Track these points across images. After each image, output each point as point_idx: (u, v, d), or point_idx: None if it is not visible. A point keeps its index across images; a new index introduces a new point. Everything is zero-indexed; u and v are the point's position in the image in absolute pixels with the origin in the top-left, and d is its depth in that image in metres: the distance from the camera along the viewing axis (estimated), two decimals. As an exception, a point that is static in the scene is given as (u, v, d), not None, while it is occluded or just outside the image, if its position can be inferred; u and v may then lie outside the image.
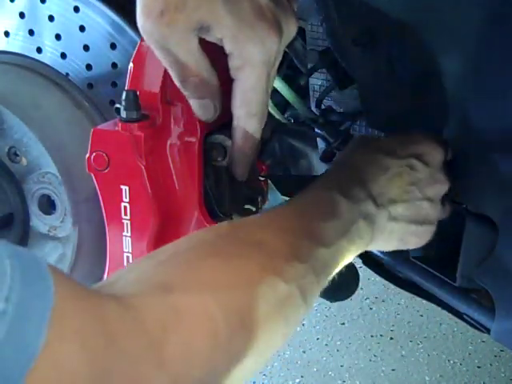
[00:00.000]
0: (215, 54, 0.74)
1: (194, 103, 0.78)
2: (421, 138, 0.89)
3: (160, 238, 0.83)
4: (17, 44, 0.97)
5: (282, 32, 0.76)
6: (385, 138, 0.94)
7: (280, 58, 0.79)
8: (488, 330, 1.08)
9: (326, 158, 1.14)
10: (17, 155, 0.90)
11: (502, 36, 0.87)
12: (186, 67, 0.74)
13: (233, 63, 0.75)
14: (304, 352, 2.33)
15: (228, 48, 0.73)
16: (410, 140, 0.88)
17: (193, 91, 0.76)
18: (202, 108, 0.78)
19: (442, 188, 0.89)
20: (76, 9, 0.91)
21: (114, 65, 0.90)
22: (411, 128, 0.99)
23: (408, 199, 0.85)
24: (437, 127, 0.96)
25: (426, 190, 0.86)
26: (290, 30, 0.77)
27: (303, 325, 2.46)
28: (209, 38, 0.74)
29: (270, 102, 0.95)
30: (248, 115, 0.79)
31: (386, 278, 1.42)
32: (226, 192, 0.88)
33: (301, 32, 1.13)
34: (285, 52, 1.16)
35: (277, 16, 0.75)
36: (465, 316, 1.16)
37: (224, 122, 0.85)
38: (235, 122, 0.80)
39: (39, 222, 0.92)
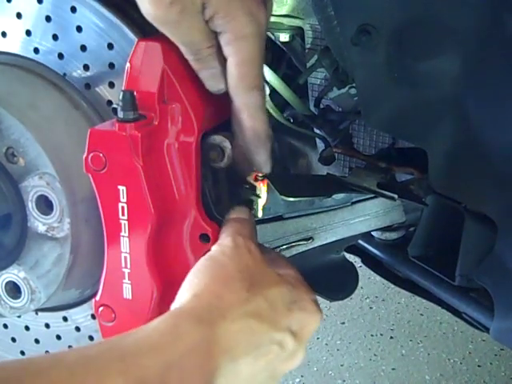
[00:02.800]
0: None
1: (205, 74, 0.82)
2: (308, 301, 0.80)
3: (157, 238, 0.83)
4: (14, 44, 0.97)
5: (266, 5, 0.81)
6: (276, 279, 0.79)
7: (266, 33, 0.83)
8: (487, 329, 1.08)
9: (324, 159, 1.14)
10: (14, 156, 0.90)
11: (500, 36, 0.87)
12: (198, 43, 0.79)
13: (225, 39, 0.80)
14: (304, 351, 2.33)
15: (220, 23, 0.78)
16: (295, 298, 0.78)
17: (205, 62, 0.80)
18: (213, 77, 0.82)
19: (294, 364, 0.79)
20: (73, 9, 0.91)
21: (112, 65, 0.90)
22: (409, 129, 0.99)
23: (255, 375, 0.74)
24: (436, 127, 0.96)
25: (277, 369, 0.77)
26: (271, 5, 0.84)
27: (303, 324, 2.46)
28: (209, 23, 0.78)
29: (269, 101, 0.95)
30: (247, 89, 0.82)
31: (386, 278, 1.42)
32: (224, 194, 0.87)
33: (300, 31, 1.12)
34: (284, 51, 1.16)
35: None
36: (464, 315, 1.16)
37: (219, 122, 0.85)
38: (236, 104, 0.82)
39: (37, 222, 0.91)
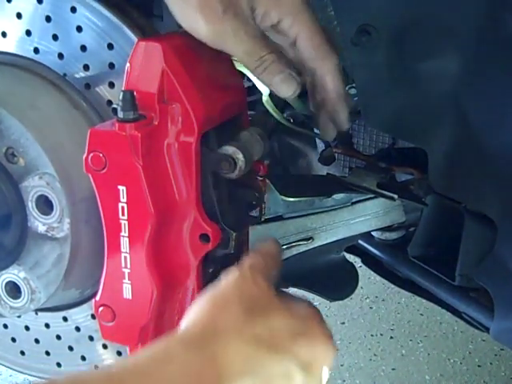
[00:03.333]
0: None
1: (276, 81, 0.83)
2: (319, 334, 0.74)
3: (157, 238, 0.83)
4: (14, 44, 0.97)
5: None
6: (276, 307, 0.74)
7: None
8: (487, 329, 1.08)
9: (324, 160, 1.14)
10: (14, 156, 0.90)
11: (500, 36, 0.87)
12: (260, 49, 0.81)
13: (285, 25, 0.83)
14: (304, 351, 2.33)
15: (275, 15, 0.82)
16: (304, 330, 0.73)
17: (273, 69, 0.82)
18: (285, 81, 0.83)
19: None
20: (73, 9, 0.91)
21: (112, 65, 0.90)
22: (409, 131, 0.99)
23: None
24: (436, 127, 0.96)
25: None
26: None
27: (303, 324, 2.45)
28: (264, 24, 0.83)
29: (269, 101, 0.95)
30: (325, 56, 0.86)
31: (386, 278, 1.42)
32: (225, 197, 0.87)
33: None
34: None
35: None
36: (464, 315, 1.16)
37: (220, 122, 0.85)
38: (318, 73, 0.87)
39: (37, 222, 0.91)
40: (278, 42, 0.87)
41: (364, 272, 1.49)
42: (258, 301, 0.72)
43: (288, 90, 0.84)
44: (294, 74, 0.84)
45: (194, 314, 0.72)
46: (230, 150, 0.83)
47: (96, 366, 1.03)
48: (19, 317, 1.04)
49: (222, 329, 0.68)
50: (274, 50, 0.83)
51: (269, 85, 0.84)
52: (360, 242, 1.35)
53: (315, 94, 0.91)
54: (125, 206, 0.80)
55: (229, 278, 0.75)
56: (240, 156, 0.82)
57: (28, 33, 0.95)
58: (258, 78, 0.84)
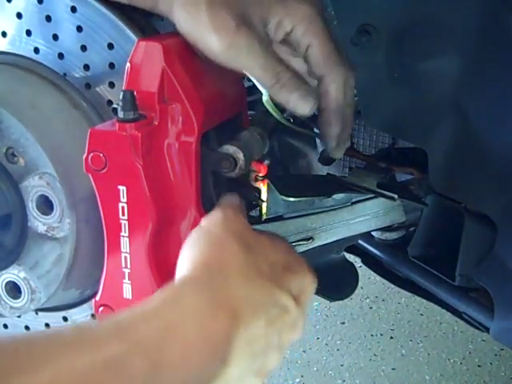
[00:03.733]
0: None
1: (295, 98, 0.82)
2: (301, 265, 0.78)
3: (158, 238, 0.83)
4: (14, 44, 0.97)
5: None
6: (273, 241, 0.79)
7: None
8: (487, 329, 1.08)
9: (324, 160, 1.14)
10: (14, 156, 0.90)
11: (500, 37, 0.87)
12: (276, 65, 0.80)
13: (298, 33, 0.82)
14: (304, 351, 2.33)
15: (288, 24, 0.81)
16: (291, 263, 0.77)
17: (290, 85, 0.81)
18: (303, 98, 0.82)
19: (296, 335, 0.76)
20: (73, 9, 0.91)
21: (112, 65, 0.90)
22: (408, 129, 0.99)
23: (259, 352, 0.70)
24: (436, 127, 0.96)
25: (283, 337, 0.74)
26: None
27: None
28: (270, 34, 0.81)
29: (269, 101, 0.95)
30: (335, 65, 0.84)
31: (386, 278, 1.42)
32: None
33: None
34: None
35: None
36: (464, 315, 1.16)
37: (220, 122, 0.85)
38: (326, 80, 0.84)
39: (37, 222, 0.91)
40: (287, 54, 0.86)
41: (364, 272, 1.49)
42: (248, 237, 0.74)
43: (306, 107, 0.82)
44: (310, 91, 0.83)
45: (192, 254, 0.72)
46: (230, 149, 0.83)
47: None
48: (19, 317, 1.04)
49: (228, 268, 0.69)
50: (288, 65, 0.82)
51: (286, 102, 0.82)
52: (360, 241, 1.36)
53: (319, 102, 0.89)
54: (125, 206, 0.80)
55: (213, 220, 0.76)
56: (240, 155, 0.82)
57: (28, 33, 0.95)
58: (275, 96, 0.82)
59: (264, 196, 0.90)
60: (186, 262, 0.72)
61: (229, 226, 0.75)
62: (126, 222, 0.81)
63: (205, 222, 0.77)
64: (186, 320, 0.63)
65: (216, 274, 0.68)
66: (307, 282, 0.78)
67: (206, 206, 0.84)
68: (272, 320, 0.70)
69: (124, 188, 0.80)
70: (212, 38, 0.77)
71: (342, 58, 0.85)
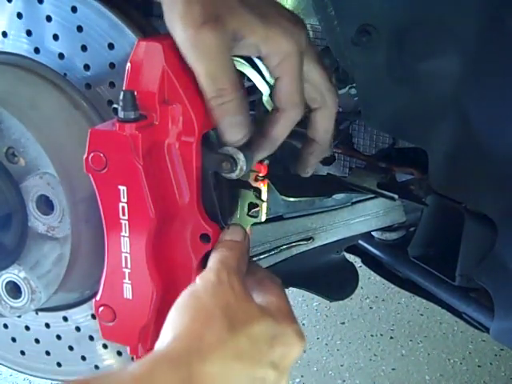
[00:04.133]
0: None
1: (225, 123, 0.80)
2: (290, 335, 0.77)
3: (158, 238, 0.83)
4: (14, 44, 0.97)
5: (303, 25, 0.84)
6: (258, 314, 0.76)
7: (310, 51, 0.85)
8: (487, 329, 1.08)
9: (324, 160, 1.14)
10: (15, 156, 0.90)
11: (500, 36, 0.87)
12: (224, 80, 0.78)
13: (271, 63, 0.81)
14: (304, 351, 2.33)
15: (264, 50, 0.80)
16: (278, 331, 0.76)
17: (228, 110, 0.79)
18: (235, 127, 0.81)
19: None
20: (74, 9, 0.91)
21: (112, 65, 0.90)
22: (408, 126, 0.99)
23: None
24: (436, 127, 0.96)
25: None
26: (305, 25, 0.85)
27: (303, 324, 2.46)
28: (240, 49, 0.80)
29: (269, 101, 0.95)
30: (293, 105, 0.84)
31: (386, 278, 1.42)
32: (226, 198, 0.87)
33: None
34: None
35: (294, 15, 0.84)
36: (464, 315, 1.16)
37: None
38: (278, 115, 0.84)
39: (37, 222, 0.91)
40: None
41: (364, 272, 1.49)
42: (237, 311, 0.74)
43: (232, 137, 0.81)
44: (246, 123, 0.81)
45: (175, 328, 0.72)
46: (231, 150, 0.83)
47: (96, 366, 1.03)
48: (19, 317, 1.04)
49: (207, 348, 0.70)
50: (240, 89, 0.80)
51: (216, 121, 0.80)
52: (360, 242, 1.36)
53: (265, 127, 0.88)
54: (125, 206, 0.80)
55: (207, 285, 0.76)
56: (240, 156, 0.82)
57: (28, 33, 0.95)
58: (210, 109, 0.80)
59: (264, 196, 0.90)
60: (170, 329, 0.73)
61: (219, 295, 0.75)
62: (126, 222, 0.81)
63: (198, 283, 0.77)
64: None
65: (194, 354, 0.69)
66: (293, 351, 0.77)
67: (206, 207, 0.84)
68: None
69: (124, 188, 0.80)
70: (178, 26, 0.76)
71: (302, 99, 0.85)
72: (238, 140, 0.81)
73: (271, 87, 0.92)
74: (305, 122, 1.07)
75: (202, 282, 0.77)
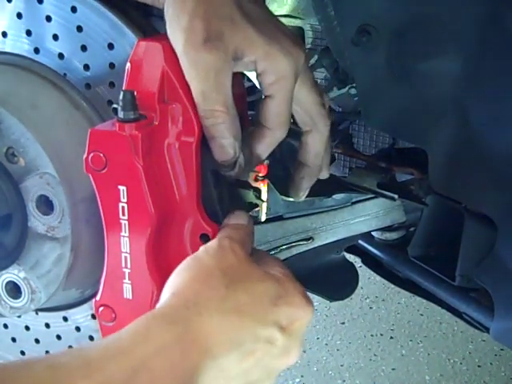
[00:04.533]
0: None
1: (215, 142, 0.81)
2: (297, 295, 0.76)
3: (158, 238, 0.83)
4: (14, 44, 0.97)
5: (303, 46, 0.85)
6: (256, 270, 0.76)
7: (306, 73, 0.85)
8: (487, 329, 1.08)
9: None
10: (14, 156, 0.90)
11: (500, 36, 0.87)
12: (218, 102, 0.78)
13: (266, 80, 0.81)
14: (304, 351, 2.33)
15: (261, 66, 0.80)
16: (282, 292, 0.75)
17: (218, 128, 0.80)
18: (223, 148, 0.81)
19: (290, 361, 0.76)
20: (73, 9, 0.91)
21: (112, 65, 0.90)
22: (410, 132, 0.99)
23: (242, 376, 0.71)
24: (436, 127, 0.96)
25: (271, 366, 0.74)
26: (304, 48, 0.87)
27: (303, 324, 2.46)
28: (239, 67, 0.80)
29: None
30: (280, 125, 0.84)
31: (386, 278, 1.42)
32: (226, 197, 0.87)
33: (300, 32, 1.12)
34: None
35: (294, 34, 0.84)
36: (464, 315, 1.16)
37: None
38: (264, 134, 0.84)
39: (37, 222, 0.91)
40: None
41: (364, 272, 1.49)
42: (237, 270, 0.74)
43: (221, 157, 0.81)
44: (235, 146, 0.81)
45: (174, 286, 0.72)
46: None
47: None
48: (19, 317, 1.04)
49: (205, 303, 0.69)
50: (233, 111, 0.80)
51: (207, 137, 0.81)
52: (360, 242, 1.36)
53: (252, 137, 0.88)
54: (125, 206, 0.80)
55: (208, 250, 0.76)
56: (240, 154, 0.82)
57: (28, 33, 0.95)
58: (203, 125, 0.80)
59: (264, 196, 0.90)
60: (169, 288, 0.73)
61: (220, 257, 0.75)
62: (126, 222, 0.81)
63: (200, 250, 0.77)
64: (154, 358, 0.64)
65: (191, 309, 0.69)
66: (300, 313, 0.76)
67: (206, 206, 0.84)
68: (250, 354, 0.70)
69: (124, 188, 0.80)
70: (180, 41, 0.77)
71: (289, 117, 0.85)
72: (226, 160, 0.82)
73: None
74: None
75: (204, 248, 0.77)
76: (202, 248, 0.77)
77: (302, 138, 0.90)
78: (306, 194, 0.96)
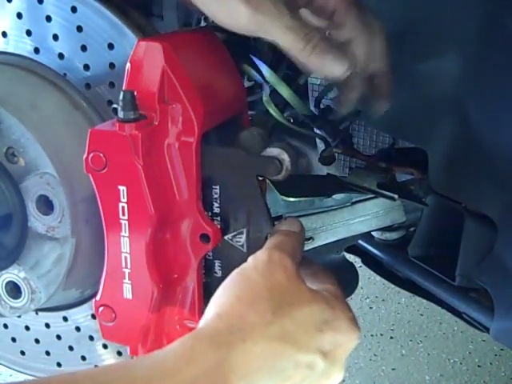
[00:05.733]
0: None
1: (328, 60, 0.78)
2: (344, 320, 0.75)
3: (158, 238, 0.83)
4: (14, 44, 0.97)
5: None
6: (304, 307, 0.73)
7: None
8: (487, 329, 1.08)
9: (324, 160, 1.14)
10: (14, 156, 0.90)
11: (500, 36, 0.87)
12: (304, 26, 0.76)
13: (354, 19, 0.80)
14: (304, 351, 2.33)
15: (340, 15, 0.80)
16: (329, 317, 0.74)
17: (321, 46, 0.76)
18: (338, 59, 0.78)
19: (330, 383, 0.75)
20: (73, 9, 0.91)
21: (112, 65, 0.90)
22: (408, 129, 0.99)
23: None
24: (436, 127, 0.96)
25: None
26: None
27: (303, 324, 2.46)
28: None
29: (269, 101, 0.95)
30: (365, 28, 0.82)
31: (386, 278, 1.42)
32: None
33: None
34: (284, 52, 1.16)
35: None
36: (464, 315, 1.16)
37: (220, 122, 0.85)
38: (355, 40, 0.82)
39: (37, 222, 0.91)
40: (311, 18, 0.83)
41: (364, 272, 1.49)
42: (286, 291, 0.72)
43: (341, 69, 0.78)
44: (343, 52, 0.79)
45: (219, 306, 0.71)
46: (275, 151, 0.81)
47: (96, 367, 1.03)
48: (19, 317, 1.04)
49: (250, 328, 0.68)
50: (319, 29, 0.78)
51: (320, 66, 0.77)
52: (360, 242, 1.36)
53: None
54: (125, 206, 0.80)
55: (257, 263, 0.74)
56: (285, 157, 0.80)
57: (28, 33, 0.95)
58: (307, 60, 0.77)
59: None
60: (214, 306, 0.71)
61: (270, 275, 0.72)
62: (126, 222, 0.81)
63: (249, 262, 0.75)
64: (197, 382, 0.63)
65: (235, 334, 0.67)
66: (345, 338, 0.74)
67: (255, 214, 0.84)
68: (289, 378, 0.69)
69: (124, 188, 0.80)
70: (239, 8, 0.74)
71: (366, 20, 0.82)
72: (346, 70, 0.79)
73: (271, 87, 0.93)
74: (306, 123, 1.07)
75: (253, 260, 0.75)
76: (250, 260, 0.75)
77: (347, 51, 0.84)
78: (350, 108, 0.90)
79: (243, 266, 0.74)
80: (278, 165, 0.81)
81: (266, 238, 0.82)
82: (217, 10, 0.77)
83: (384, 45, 0.83)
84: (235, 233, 0.85)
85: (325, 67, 0.78)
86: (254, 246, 0.83)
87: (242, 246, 0.85)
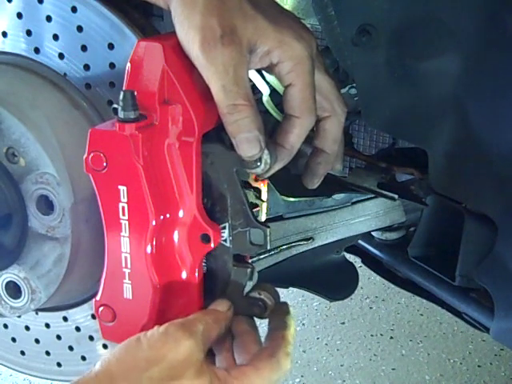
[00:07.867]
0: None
1: (241, 138, 0.80)
2: None
3: (158, 238, 0.83)
4: (14, 44, 0.97)
5: (311, 31, 0.84)
6: None
7: (319, 58, 0.85)
8: (487, 329, 1.08)
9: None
10: (15, 156, 0.90)
11: (500, 36, 0.87)
12: (239, 95, 0.78)
13: (284, 69, 0.81)
14: (304, 351, 2.33)
15: (276, 56, 0.80)
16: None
17: (242, 123, 0.79)
18: (250, 142, 0.80)
19: None
20: (74, 9, 0.91)
21: (112, 65, 0.90)
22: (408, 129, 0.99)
23: None
24: (436, 127, 0.96)
25: None
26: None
27: (303, 324, 2.46)
28: (254, 61, 0.80)
29: (269, 101, 0.95)
30: (307, 112, 0.83)
31: (386, 278, 1.42)
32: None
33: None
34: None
35: (301, 22, 0.85)
36: (464, 315, 1.16)
37: (221, 122, 0.85)
38: (292, 123, 0.83)
39: (37, 222, 0.91)
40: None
41: (364, 272, 1.49)
42: (167, 366, 0.75)
43: (248, 152, 0.80)
44: (261, 138, 0.80)
45: (102, 361, 0.75)
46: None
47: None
48: (19, 317, 1.04)
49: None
50: (254, 104, 0.79)
51: (231, 136, 0.80)
52: (360, 242, 1.36)
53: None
54: (125, 206, 0.80)
55: (154, 333, 0.77)
56: (264, 150, 0.82)
57: (28, 33, 0.95)
58: (225, 124, 0.80)
59: (264, 196, 0.90)
60: (102, 359, 0.76)
61: (160, 346, 0.76)
62: (126, 222, 0.81)
63: (150, 331, 0.78)
64: None
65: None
66: None
67: (233, 206, 0.84)
68: None
69: (124, 188, 0.80)
70: (195, 41, 0.77)
71: (314, 105, 0.84)
72: (253, 155, 0.81)
73: (271, 87, 0.93)
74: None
75: (151, 330, 0.78)
76: (153, 329, 0.78)
77: (320, 124, 0.89)
78: (320, 181, 0.94)
79: (148, 332, 0.78)
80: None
81: (249, 233, 0.84)
82: (180, 34, 0.79)
83: (303, 136, 0.85)
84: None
85: (235, 141, 0.80)
86: (237, 241, 0.85)
87: (226, 240, 0.85)
